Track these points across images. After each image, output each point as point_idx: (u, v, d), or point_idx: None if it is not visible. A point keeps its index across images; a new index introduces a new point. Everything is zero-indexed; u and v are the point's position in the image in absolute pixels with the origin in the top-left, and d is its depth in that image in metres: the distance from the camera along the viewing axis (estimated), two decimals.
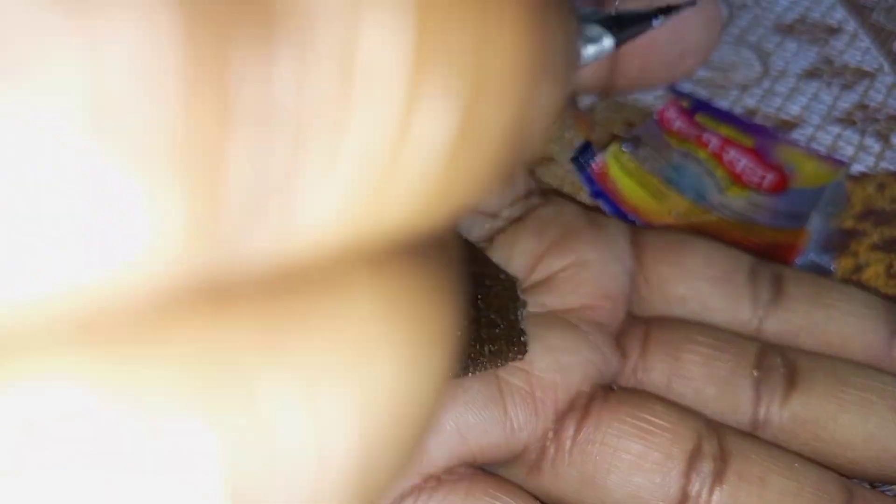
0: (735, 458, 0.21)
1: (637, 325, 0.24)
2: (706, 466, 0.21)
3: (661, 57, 0.27)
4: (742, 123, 0.35)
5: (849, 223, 0.31)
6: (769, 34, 0.39)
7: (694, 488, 0.21)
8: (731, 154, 0.33)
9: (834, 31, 0.39)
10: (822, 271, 0.30)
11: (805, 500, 0.20)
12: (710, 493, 0.21)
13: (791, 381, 0.23)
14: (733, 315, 0.25)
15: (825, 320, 0.24)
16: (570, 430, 0.21)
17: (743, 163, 0.32)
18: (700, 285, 0.25)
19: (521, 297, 0.23)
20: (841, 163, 0.33)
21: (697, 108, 0.35)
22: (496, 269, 0.23)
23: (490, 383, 0.21)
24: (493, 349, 0.21)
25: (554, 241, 0.25)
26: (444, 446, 0.20)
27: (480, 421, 0.21)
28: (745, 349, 0.23)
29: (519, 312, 0.23)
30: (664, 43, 0.26)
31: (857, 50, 0.38)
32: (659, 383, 0.23)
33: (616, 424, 0.21)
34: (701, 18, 0.27)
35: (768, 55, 0.38)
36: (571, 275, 0.24)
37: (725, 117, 0.35)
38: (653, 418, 0.21)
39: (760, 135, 0.34)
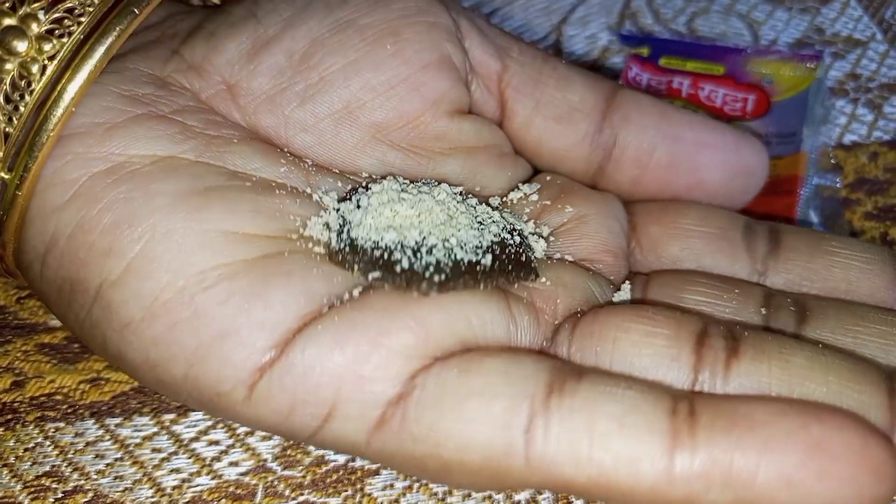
0: (749, 338, 0.19)
1: (638, 278, 0.23)
2: (718, 343, 0.19)
3: (661, 179, 0.25)
4: (707, 50, 0.34)
5: (842, 192, 0.30)
6: (759, 3, 0.39)
7: (707, 365, 0.19)
8: (707, 89, 0.32)
9: (825, 0, 0.39)
10: (830, 190, 0.29)
11: (839, 374, 0.18)
12: (727, 367, 0.19)
13: (802, 316, 0.21)
14: (731, 271, 0.24)
15: (828, 267, 0.23)
16: (566, 332, 0.20)
17: (721, 93, 0.32)
18: (694, 243, 0.24)
19: (530, 244, 0.22)
20: (815, 57, 0.33)
21: (658, 50, 0.34)
22: (504, 219, 0.22)
23: (494, 289, 0.20)
24: (502, 267, 0.20)
25: (552, 199, 0.24)
26: (450, 327, 0.19)
27: (485, 310, 0.20)
28: (749, 291, 0.22)
29: (526, 247, 0.22)
30: (668, 165, 0.25)
31: (849, 18, 0.38)
32: None
33: (615, 320, 0.20)
34: (730, 162, 0.25)
35: (759, 24, 0.38)
36: (571, 228, 0.24)
37: (688, 50, 0.34)
38: (653, 310, 0.20)
39: (728, 57, 0.33)
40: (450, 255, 0.20)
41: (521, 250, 0.21)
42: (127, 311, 0.19)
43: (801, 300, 0.22)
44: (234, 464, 0.23)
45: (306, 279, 0.20)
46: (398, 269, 0.19)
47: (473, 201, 0.23)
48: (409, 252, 0.20)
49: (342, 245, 0.20)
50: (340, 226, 0.21)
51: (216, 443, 0.23)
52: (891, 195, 0.30)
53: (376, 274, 0.20)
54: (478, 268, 0.20)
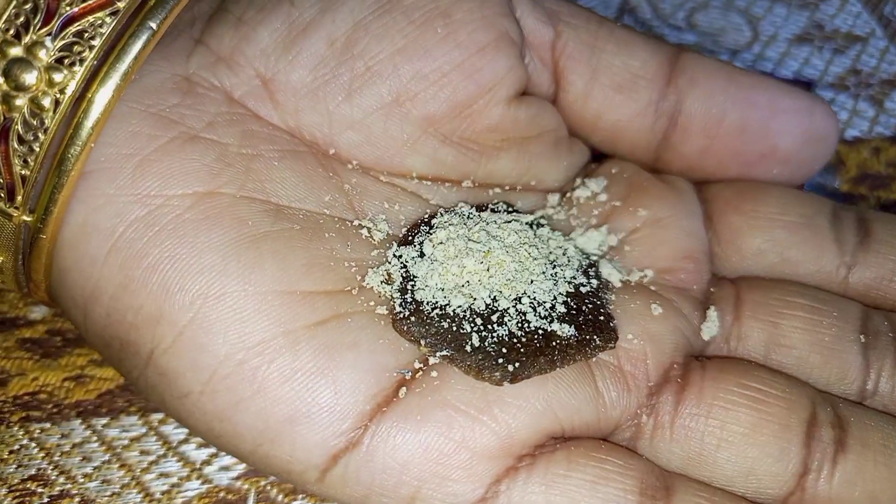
0: (854, 425, 0.19)
1: (726, 288, 0.22)
2: (826, 435, 0.19)
3: (732, 147, 0.23)
4: None
5: (845, 187, 0.30)
6: None
7: (815, 459, 0.18)
8: None
9: None
10: (828, 190, 0.29)
11: None
12: (834, 464, 0.18)
13: None
14: (818, 264, 0.22)
15: None
16: (668, 406, 0.19)
17: None
18: (778, 234, 0.22)
19: (605, 279, 0.21)
20: (808, 83, 0.33)
21: None
22: (574, 252, 0.21)
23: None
24: (580, 338, 0.19)
25: (621, 199, 0.22)
26: (534, 425, 0.18)
27: (571, 398, 0.19)
28: (847, 312, 0.21)
29: (603, 296, 0.20)
30: (740, 132, 0.23)
31: (848, 14, 0.37)
32: (755, 352, 0.21)
33: (722, 395, 0.19)
34: (804, 127, 0.23)
35: (758, 20, 0.37)
36: (646, 236, 0.22)
37: None
38: (763, 387, 0.19)
39: None
40: (523, 325, 0.19)
41: (599, 304, 0.20)
42: (184, 382, 0.18)
43: None
44: (225, 468, 0.22)
45: (374, 352, 0.18)
46: (468, 347, 0.18)
47: (545, 231, 0.21)
48: (479, 322, 0.19)
49: (407, 312, 0.19)
50: (403, 282, 0.19)
51: (207, 445, 0.22)
52: (893, 190, 0.30)
53: (445, 353, 0.18)
54: (554, 342, 0.19)
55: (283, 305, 0.18)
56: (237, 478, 0.22)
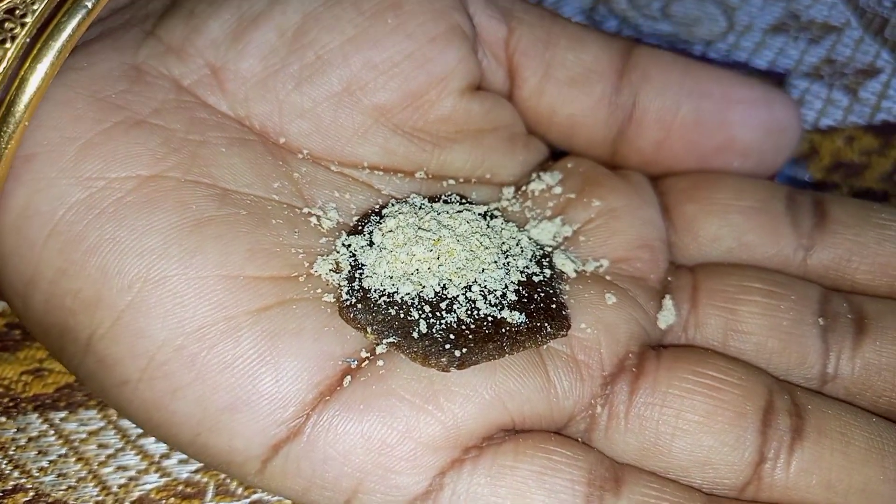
0: (812, 413, 0.19)
1: (683, 276, 0.22)
2: (783, 423, 0.18)
3: (688, 140, 0.23)
4: None
5: (818, 176, 0.29)
6: None
7: (771, 448, 0.18)
8: None
9: None
10: (800, 182, 0.29)
11: (893, 457, 0.18)
12: (791, 452, 0.18)
13: (860, 327, 0.20)
14: (776, 248, 0.22)
15: (879, 241, 0.21)
16: (622, 395, 0.19)
17: None
18: (734, 219, 0.22)
19: (559, 269, 0.20)
20: (781, 75, 0.33)
21: None
22: (528, 242, 0.20)
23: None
24: (531, 325, 0.18)
25: (576, 191, 0.22)
26: (481, 416, 0.18)
27: (521, 388, 0.18)
28: (806, 295, 0.21)
29: (556, 286, 0.20)
30: (695, 124, 0.22)
31: (824, 5, 0.37)
32: (713, 340, 0.20)
33: (677, 384, 0.19)
34: (763, 118, 0.23)
35: (733, 10, 0.37)
36: (600, 226, 0.22)
37: None
38: (718, 374, 0.19)
39: None
40: (472, 312, 0.18)
41: (551, 292, 0.19)
42: (122, 369, 0.18)
43: (857, 305, 0.21)
44: (184, 461, 0.21)
45: (318, 340, 0.18)
46: (415, 334, 0.18)
47: (498, 222, 0.21)
48: (428, 309, 0.18)
49: (354, 299, 0.18)
50: (351, 270, 0.19)
51: None
52: (866, 178, 0.29)
53: (392, 340, 0.18)
54: (503, 329, 0.18)
55: (224, 290, 0.18)
56: (196, 471, 0.21)
